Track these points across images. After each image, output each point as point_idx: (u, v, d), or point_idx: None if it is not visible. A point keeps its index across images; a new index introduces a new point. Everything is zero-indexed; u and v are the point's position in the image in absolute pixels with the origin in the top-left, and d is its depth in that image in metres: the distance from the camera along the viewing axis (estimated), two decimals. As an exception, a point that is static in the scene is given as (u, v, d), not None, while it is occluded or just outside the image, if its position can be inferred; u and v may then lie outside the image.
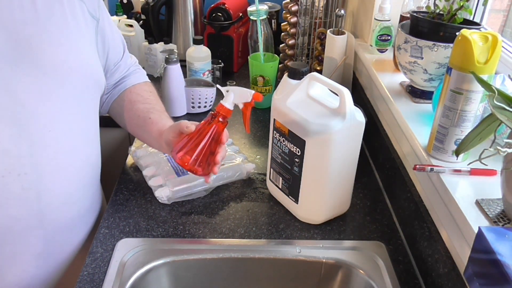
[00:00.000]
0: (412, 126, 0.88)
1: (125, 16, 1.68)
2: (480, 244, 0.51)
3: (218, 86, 0.90)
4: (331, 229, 0.90)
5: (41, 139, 0.74)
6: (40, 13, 0.71)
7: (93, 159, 0.89)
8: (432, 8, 0.95)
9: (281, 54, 1.47)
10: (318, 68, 1.40)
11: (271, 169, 0.95)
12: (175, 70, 1.25)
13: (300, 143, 0.83)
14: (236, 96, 0.80)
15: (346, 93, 0.79)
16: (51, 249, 0.82)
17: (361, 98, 1.26)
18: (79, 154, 0.83)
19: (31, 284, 0.82)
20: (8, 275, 0.79)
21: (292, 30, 1.40)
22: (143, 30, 1.61)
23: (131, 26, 1.58)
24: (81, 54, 0.79)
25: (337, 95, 0.81)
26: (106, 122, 0.99)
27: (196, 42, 1.39)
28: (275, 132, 0.90)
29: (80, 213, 0.88)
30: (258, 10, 1.30)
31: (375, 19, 1.21)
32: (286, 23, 1.42)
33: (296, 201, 0.90)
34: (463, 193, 0.70)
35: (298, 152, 0.84)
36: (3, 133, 0.69)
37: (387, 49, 1.22)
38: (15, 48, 0.69)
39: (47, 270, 0.83)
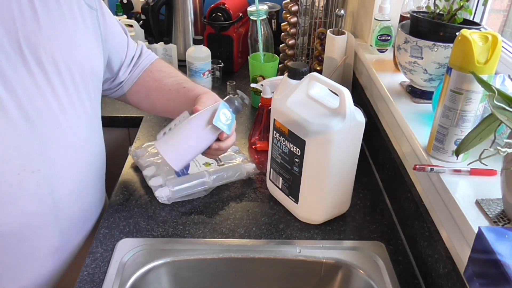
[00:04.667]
0: (412, 126, 0.88)
1: (125, 16, 1.68)
2: (480, 244, 0.51)
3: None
4: (331, 229, 0.90)
5: (50, 135, 0.75)
6: (37, 11, 0.72)
7: (98, 152, 0.91)
8: (432, 8, 0.95)
9: (281, 54, 1.46)
10: (318, 68, 1.40)
11: (271, 169, 0.95)
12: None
13: (300, 143, 0.83)
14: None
15: (346, 93, 0.79)
16: (66, 244, 0.84)
17: (361, 98, 1.26)
18: (85, 147, 0.84)
19: (49, 279, 0.83)
20: (27, 271, 0.80)
21: (292, 30, 1.40)
22: (143, 30, 1.61)
23: (131, 26, 1.58)
24: (80, 49, 0.79)
25: (337, 95, 0.81)
26: (106, 122, 0.99)
27: (196, 42, 1.40)
28: (275, 132, 0.90)
29: (91, 206, 0.91)
30: (258, 10, 1.30)
31: (375, 19, 1.21)
32: (286, 23, 1.42)
33: (296, 201, 0.90)
34: (463, 193, 0.70)
35: (298, 152, 0.84)
36: (14, 132, 0.70)
37: (387, 49, 1.22)
38: (16, 47, 0.69)
39: (63, 264, 0.85)
